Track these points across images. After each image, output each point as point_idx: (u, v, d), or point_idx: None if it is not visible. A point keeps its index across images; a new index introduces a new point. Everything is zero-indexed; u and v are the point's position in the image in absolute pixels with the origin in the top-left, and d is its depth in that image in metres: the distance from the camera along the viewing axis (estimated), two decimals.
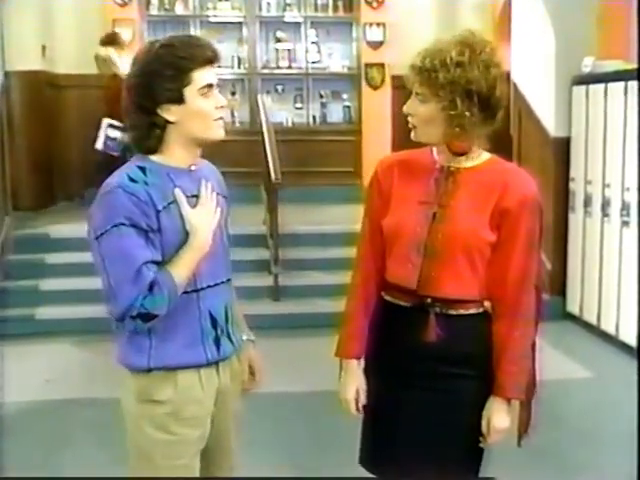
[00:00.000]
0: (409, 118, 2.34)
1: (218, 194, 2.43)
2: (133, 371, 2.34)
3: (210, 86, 2.31)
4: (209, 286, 2.36)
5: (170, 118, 2.29)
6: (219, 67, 2.38)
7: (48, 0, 8.72)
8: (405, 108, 2.34)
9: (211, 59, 2.31)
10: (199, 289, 2.33)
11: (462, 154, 2.35)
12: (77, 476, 4.00)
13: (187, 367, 2.34)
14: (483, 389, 2.36)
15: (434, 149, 2.40)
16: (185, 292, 2.29)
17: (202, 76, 2.29)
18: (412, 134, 2.36)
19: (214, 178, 2.48)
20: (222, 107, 2.34)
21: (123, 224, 2.19)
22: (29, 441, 4.45)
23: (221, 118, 2.35)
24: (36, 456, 4.30)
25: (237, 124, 9.60)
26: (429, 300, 2.34)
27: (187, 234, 2.27)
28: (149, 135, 2.31)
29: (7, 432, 4.48)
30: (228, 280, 2.47)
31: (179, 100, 2.28)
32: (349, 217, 8.00)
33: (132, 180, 2.24)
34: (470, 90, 2.22)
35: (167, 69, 2.25)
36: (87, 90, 9.03)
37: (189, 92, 2.28)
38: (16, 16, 7.94)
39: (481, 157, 2.38)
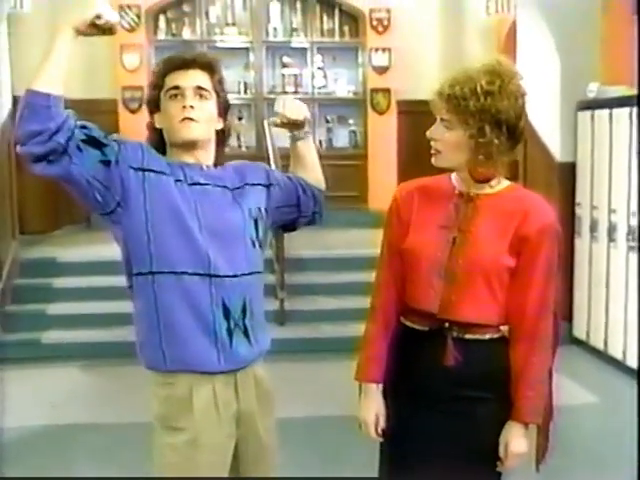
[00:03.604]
0: (432, 143, 2.36)
1: (244, 186, 2.48)
2: (150, 369, 2.40)
3: (177, 88, 2.38)
4: (227, 276, 2.34)
5: (157, 126, 2.45)
6: (207, 73, 2.44)
7: (55, 27, 8.80)
8: (429, 133, 2.36)
9: (179, 64, 2.41)
10: (212, 275, 2.32)
11: (485, 181, 2.37)
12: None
13: (199, 372, 2.34)
14: (500, 412, 2.36)
15: (452, 175, 2.43)
16: (197, 274, 2.31)
17: (170, 79, 2.40)
18: (433, 159, 2.38)
19: (235, 172, 2.52)
20: (185, 107, 2.37)
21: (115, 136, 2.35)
22: (35, 466, 4.42)
23: (189, 119, 2.37)
24: None
25: (243, 148, 9.64)
26: (447, 324, 2.35)
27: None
28: (153, 140, 2.46)
29: (12, 456, 4.47)
30: (252, 273, 2.43)
31: (158, 107, 2.43)
32: (355, 241, 8.07)
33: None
34: (499, 119, 2.25)
35: (150, 81, 2.48)
36: (94, 115, 9.02)
37: (162, 96, 2.41)
38: (24, 42, 8.00)
39: (501, 184, 2.40)
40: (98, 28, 2.26)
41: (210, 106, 2.42)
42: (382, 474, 2.55)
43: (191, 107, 2.36)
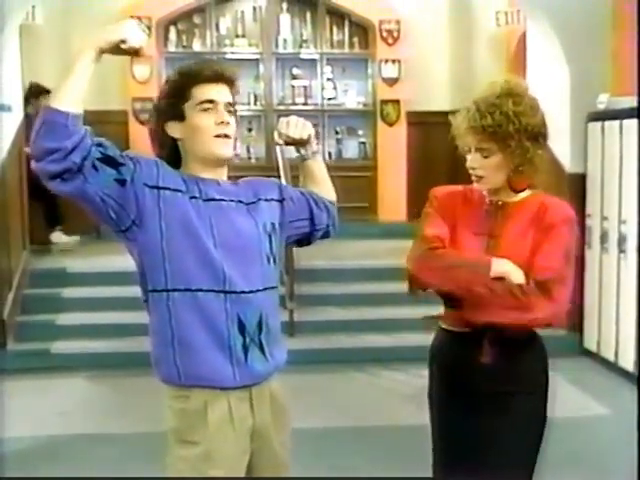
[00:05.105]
0: (472, 171, 2.52)
1: (259, 201, 2.47)
2: (165, 382, 2.38)
3: (211, 102, 2.36)
4: (242, 292, 2.33)
5: (174, 135, 2.39)
6: (230, 88, 2.43)
7: (66, 39, 8.83)
8: (469, 164, 2.52)
9: (212, 77, 2.38)
10: (227, 291, 2.31)
11: (523, 190, 2.54)
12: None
13: (214, 387, 2.33)
14: (539, 406, 2.52)
15: None
16: (213, 291, 2.30)
17: (201, 92, 2.36)
18: (476, 184, 2.54)
19: (249, 187, 2.51)
20: (223, 123, 2.36)
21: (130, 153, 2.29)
22: (42, 475, 4.42)
23: (224, 135, 2.37)
24: None
25: (253, 160, 9.66)
26: (483, 325, 2.45)
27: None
28: (163, 152, 2.42)
29: (20, 466, 4.47)
30: (267, 289, 2.41)
31: (180, 117, 2.37)
32: (365, 252, 8.07)
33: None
34: (534, 133, 2.45)
35: (170, 88, 2.39)
36: (105, 126, 9.06)
37: (189, 108, 2.36)
38: (36, 53, 8.05)
39: (527, 192, 2.57)
40: (122, 49, 2.25)
41: (234, 122, 2.42)
42: (435, 471, 2.66)
43: (227, 123, 2.37)
